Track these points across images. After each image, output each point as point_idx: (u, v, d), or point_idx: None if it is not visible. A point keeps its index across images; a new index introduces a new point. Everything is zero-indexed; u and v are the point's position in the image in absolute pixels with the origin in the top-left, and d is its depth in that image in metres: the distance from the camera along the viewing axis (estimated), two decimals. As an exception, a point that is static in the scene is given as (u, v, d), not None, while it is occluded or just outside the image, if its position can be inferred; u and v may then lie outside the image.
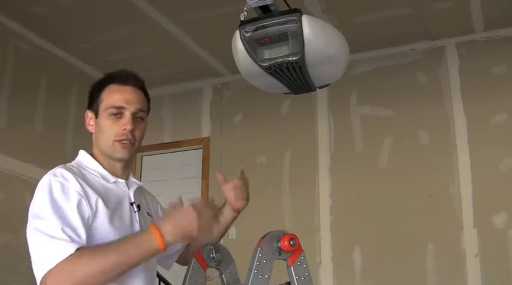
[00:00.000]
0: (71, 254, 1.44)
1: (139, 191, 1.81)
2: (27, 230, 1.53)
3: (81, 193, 1.57)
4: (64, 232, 1.47)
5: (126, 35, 4.91)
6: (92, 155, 1.77)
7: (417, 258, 4.59)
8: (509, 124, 4.59)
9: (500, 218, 4.43)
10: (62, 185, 1.56)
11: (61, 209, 1.52)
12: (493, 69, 4.74)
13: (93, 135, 1.77)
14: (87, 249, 1.48)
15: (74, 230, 1.50)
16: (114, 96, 1.73)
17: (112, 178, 1.72)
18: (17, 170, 4.54)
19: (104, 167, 1.73)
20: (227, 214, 2.14)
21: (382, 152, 4.95)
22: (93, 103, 1.77)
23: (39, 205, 1.54)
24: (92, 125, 1.76)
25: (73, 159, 1.76)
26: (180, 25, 4.77)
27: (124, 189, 1.74)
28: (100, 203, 1.59)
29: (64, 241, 1.45)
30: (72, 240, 1.47)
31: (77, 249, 1.45)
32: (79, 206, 1.54)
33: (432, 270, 4.54)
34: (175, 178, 5.79)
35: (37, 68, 5.00)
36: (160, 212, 1.96)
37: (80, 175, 1.64)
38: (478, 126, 4.68)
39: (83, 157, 1.76)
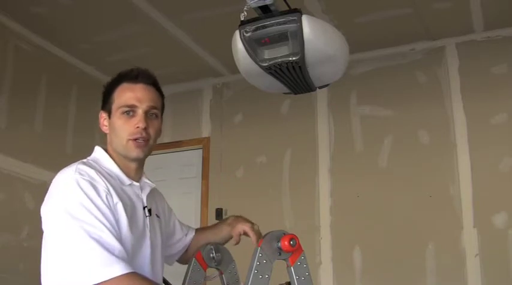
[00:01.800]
0: (123, 274, 1.41)
1: (150, 192, 1.79)
2: (60, 227, 1.46)
3: (108, 195, 1.54)
4: (120, 245, 1.45)
5: (126, 35, 4.91)
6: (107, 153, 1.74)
7: (417, 258, 4.59)
8: (509, 124, 4.59)
9: (500, 218, 4.43)
10: (93, 186, 1.52)
11: (106, 215, 1.49)
12: (493, 69, 4.74)
13: (108, 135, 1.75)
14: (139, 276, 1.46)
15: (122, 244, 1.48)
16: (126, 94, 1.72)
17: (127, 181, 1.69)
18: (17, 170, 4.53)
19: (119, 168, 1.70)
20: (223, 235, 2.05)
21: (382, 152, 4.95)
22: (106, 103, 1.75)
23: (76, 205, 1.47)
24: (106, 125, 1.75)
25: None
26: (180, 25, 4.77)
27: (138, 192, 1.71)
28: (120, 206, 1.57)
29: (120, 259, 1.43)
30: (125, 259, 1.45)
31: (129, 272, 1.43)
32: (112, 211, 1.53)
33: (432, 270, 4.54)
34: (175, 178, 5.79)
35: (37, 68, 4.99)
36: (167, 211, 1.94)
37: (101, 174, 1.60)
38: (478, 126, 4.68)
39: (100, 154, 1.73)
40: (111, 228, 1.47)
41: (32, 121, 4.87)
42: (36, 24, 4.76)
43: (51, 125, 4.99)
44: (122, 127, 1.69)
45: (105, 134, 1.77)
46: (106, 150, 1.74)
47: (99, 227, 1.44)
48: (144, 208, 1.70)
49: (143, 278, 1.48)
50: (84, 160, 1.65)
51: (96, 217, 1.46)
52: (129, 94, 1.72)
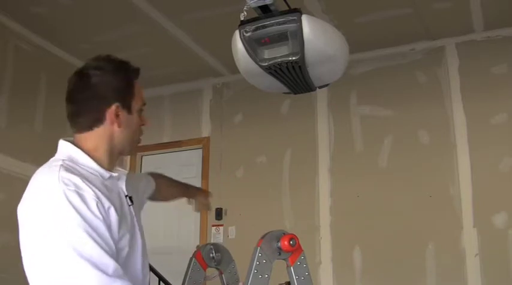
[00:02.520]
0: None
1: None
2: (48, 247, 1.34)
3: (98, 202, 1.42)
4: (114, 261, 1.36)
5: (126, 35, 4.91)
6: (78, 148, 1.57)
7: (417, 258, 4.59)
8: (509, 124, 4.59)
9: (500, 218, 4.43)
10: (81, 197, 1.39)
11: (97, 230, 1.37)
12: (493, 69, 4.74)
13: (111, 130, 1.58)
14: None
15: (117, 251, 1.43)
16: (141, 92, 1.67)
17: (107, 174, 1.56)
18: (16, 170, 4.54)
19: (97, 163, 1.55)
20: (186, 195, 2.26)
21: (382, 153, 4.95)
22: (125, 96, 1.60)
23: (64, 221, 1.35)
24: (117, 120, 1.58)
25: None
26: (180, 25, 4.77)
27: (116, 182, 1.61)
28: (112, 211, 1.46)
29: (115, 278, 1.34)
30: (120, 275, 1.37)
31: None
32: (104, 219, 1.42)
33: (432, 270, 4.54)
34: (175, 178, 5.79)
35: (37, 68, 5.00)
36: (137, 184, 1.85)
37: (86, 178, 1.47)
38: (478, 126, 4.68)
39: (74, 152, 1.56)
40: (103, 244, 1.36)
41: (32, 121, 4.87)
42: (36, 24, 4.76)
43: (51, 125, 4.98)
44: (138, 126, 1.65)
45: (92, 127, 1.59)
46: (82, 144, 1.59)
47: (90, 245, 1.34)
48: (126, 197, 1.62)
49: None
50: (62, 163, 1.49)
51: (87, 233, 1.34)
52: (142, 92, 1.68)
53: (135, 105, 1.63)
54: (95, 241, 1.35)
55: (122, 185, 1.63)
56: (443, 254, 4.54)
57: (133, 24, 4.74)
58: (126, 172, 1.68)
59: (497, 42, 4.79)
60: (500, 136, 4.59)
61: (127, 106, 1.60)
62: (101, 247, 1.35)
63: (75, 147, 1.57)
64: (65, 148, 1.59)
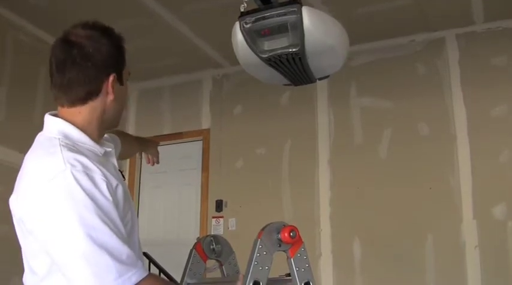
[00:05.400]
0: (140, 281, 1.29)
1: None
2: (61, 234, 1.28)
3: (108, 183, 1.35)
4: (127, 247, 1.30)
5: (126, 27, 4.84)
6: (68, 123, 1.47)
7: (417, 250, 4.60)
8: (509, 116, 4.59)
9: (500, 210, 4.44)
10: (91, 179, 1.31)
11: (109, 214, 1.31)
12: (493, 61, 4.73)
13: (104, 103, 1.49)
14: (154, 278, 1.38)
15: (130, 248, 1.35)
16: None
17: (102, 150, 1.49)
18: (15, 161, 4.54)
19: (90, 138, 1.47)
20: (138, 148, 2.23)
21: (382, 144, 4.94)
22: (120, 66, 1.52)
23: (77, 207, 1.27)
24: (113, 92, 1.48)
25: None
26: (180, 16, 4.75)
27: (108, 157, 1.53)
28: (120, 189, 1.40)
29: (129, 266, 1.29)
30: (134, 262, 1.32)
31: (143, 278, 1.31)
32: (114, 199, 1.35)
33: (432, 262, 4.55)
34: (175, 170, 5.80)
35: (36, 60, 4.97)
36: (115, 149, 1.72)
37: (89, 157, 1.38)
38: (477, 118, 4.68)
39: (67, 128, 1.46)
40: (115, 229, 1.30)
41: (31, 112, 4.86)
42: (35, 16, 4.75)
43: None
44: (126, 95, 1.56)
45: (81, 99, 1.46)
46: (73, 118, 1.48)
47: (106, 232, 1.28)
48: (119, 171, 1.56)
49: (158, 278, 1.42)
50: (60, 142, 1.41)
51: (101, 219, 1.28)
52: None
53: (126, 75, 1.54)
54: (109, 227, 1.29)
55: (114, 160, 1.55)
56: (443, 246, 4.55)
57: (133, 16, 4.72)
58: (112, 145, 1.58)
59: (497, 33, 4.77)
60: (500, 127, 4.59)
61: (119, 77, 1.51)
62: (115, 233, 1.29)
63: (67, 123, 1.46)
64: (56, 125, 1.48)
